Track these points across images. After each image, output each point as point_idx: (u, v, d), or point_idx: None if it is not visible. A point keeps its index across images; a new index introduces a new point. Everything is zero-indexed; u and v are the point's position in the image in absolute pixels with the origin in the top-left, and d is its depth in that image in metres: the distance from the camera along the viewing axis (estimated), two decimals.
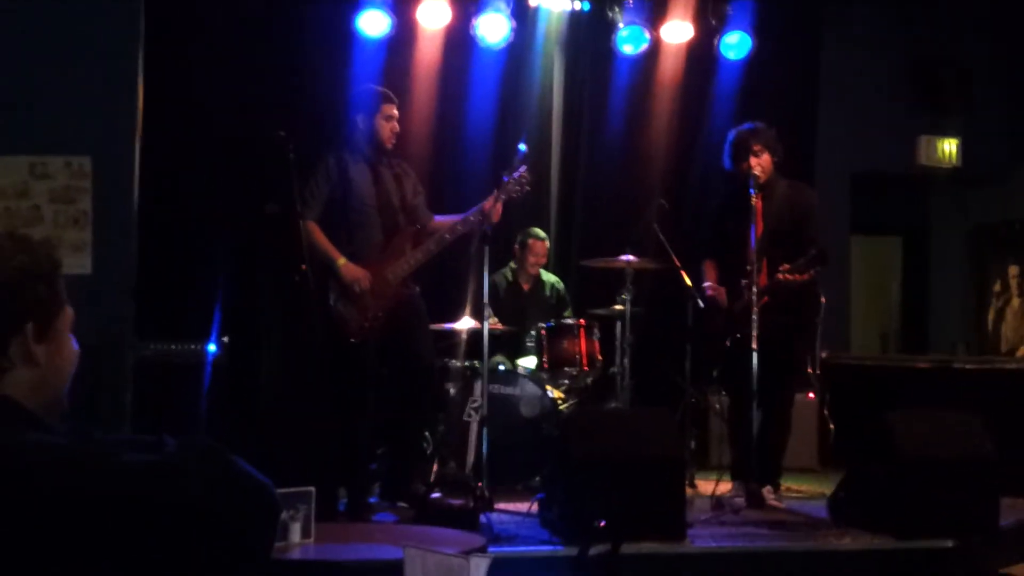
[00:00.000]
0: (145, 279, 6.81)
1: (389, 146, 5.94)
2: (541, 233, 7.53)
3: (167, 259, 7.03)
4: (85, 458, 1.71)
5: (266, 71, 7.23)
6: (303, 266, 5.37)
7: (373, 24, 7.40)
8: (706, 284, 6.25)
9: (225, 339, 6.21)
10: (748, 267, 5.84)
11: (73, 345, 1.90)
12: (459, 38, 7.73)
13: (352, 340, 5.69)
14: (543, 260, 7.55)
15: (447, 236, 5.83)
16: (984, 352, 9.08)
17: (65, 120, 6.90)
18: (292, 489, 3.66)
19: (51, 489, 1.64)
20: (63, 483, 1.65)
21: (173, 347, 6.13)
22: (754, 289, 5.76)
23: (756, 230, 5.90)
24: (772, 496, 5.99)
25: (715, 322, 6.16)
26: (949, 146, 9.17)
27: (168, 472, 1.72)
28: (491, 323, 5.86)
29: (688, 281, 6.43)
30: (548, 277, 7.64)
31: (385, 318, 5.76)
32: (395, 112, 5.94)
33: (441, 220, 5.99)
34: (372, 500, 5.80)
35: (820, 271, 6.00)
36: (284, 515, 3.54)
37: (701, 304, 6.28)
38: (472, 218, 5.78)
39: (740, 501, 5.85)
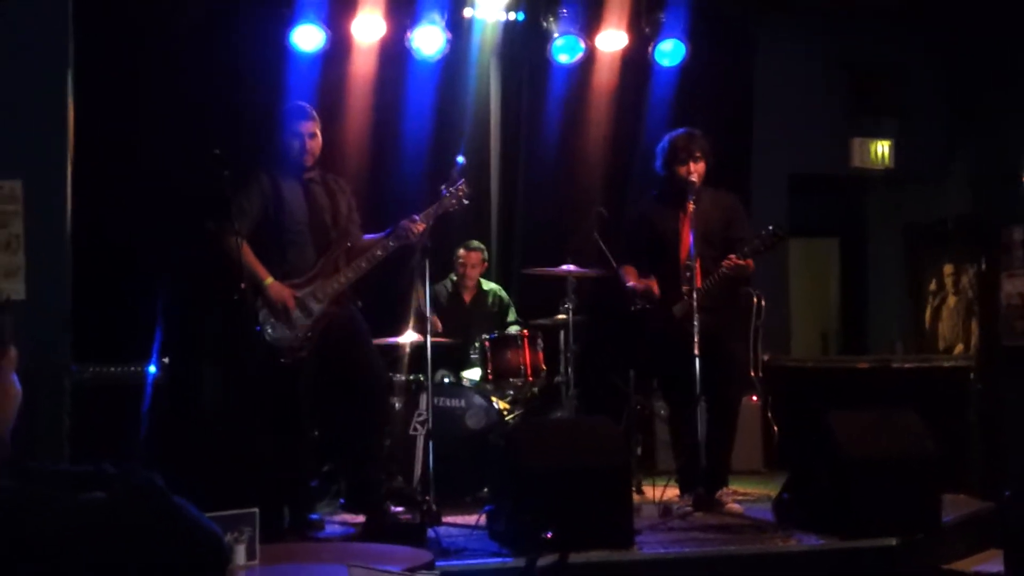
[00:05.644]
0: (82, 300, 6.72)
1: (311, 163, 5.81)
2: (474, 243, 7.54)
3: (104, 279, 6.92)
4: (27, 502, 1.66)
5: (201, 87, 7.14)
6: (242, 284, 5.32)
7: (308, 39, 7.34)
8: (629, 284, 6.16)
9: (165, 360, 6.14)
10: (687, 273, 5.86)
11: (16, 386, 1.86)
12: (394, 51, 7.70)
13: (283, 360, 5.62)
14: (479, 270, 7.56)
15: (378, 253, 5.73)
16: (922, 350, 9.19)
17: None
18: (236, 511, 3.61)
19: None
20: (4, 529, 1.61)
21: (112, 369, 6.05)
22: (694, 294, 5.79)
23: (692, 234, 5.92)
24: (729, 498, 6.02)
25: (655, 327, 6.14)
26: (882, 148, 9.29)
27: (112, 515, 1.69)
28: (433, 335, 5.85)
29: None
30: (489, 286, 7.65)
31: (319, 338, 5.69)
32: (310, 128, 5.79)
33: (369, 239, 5.90)
34: (314, 516, 5.75)
35: (750, 274, 6.07)
36: (229, 537, 3.50)
37: (633, 308, 6.15)
38: (398, 233, 5.70)
39: (688, 508, 5.86)
